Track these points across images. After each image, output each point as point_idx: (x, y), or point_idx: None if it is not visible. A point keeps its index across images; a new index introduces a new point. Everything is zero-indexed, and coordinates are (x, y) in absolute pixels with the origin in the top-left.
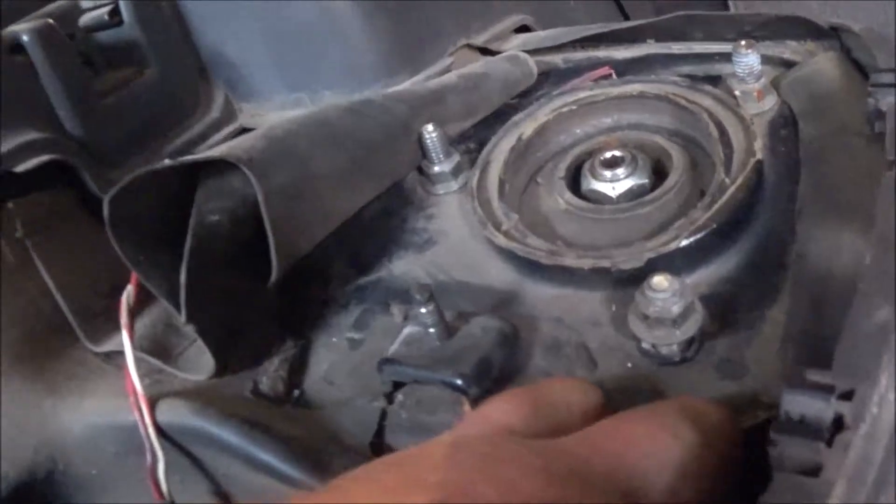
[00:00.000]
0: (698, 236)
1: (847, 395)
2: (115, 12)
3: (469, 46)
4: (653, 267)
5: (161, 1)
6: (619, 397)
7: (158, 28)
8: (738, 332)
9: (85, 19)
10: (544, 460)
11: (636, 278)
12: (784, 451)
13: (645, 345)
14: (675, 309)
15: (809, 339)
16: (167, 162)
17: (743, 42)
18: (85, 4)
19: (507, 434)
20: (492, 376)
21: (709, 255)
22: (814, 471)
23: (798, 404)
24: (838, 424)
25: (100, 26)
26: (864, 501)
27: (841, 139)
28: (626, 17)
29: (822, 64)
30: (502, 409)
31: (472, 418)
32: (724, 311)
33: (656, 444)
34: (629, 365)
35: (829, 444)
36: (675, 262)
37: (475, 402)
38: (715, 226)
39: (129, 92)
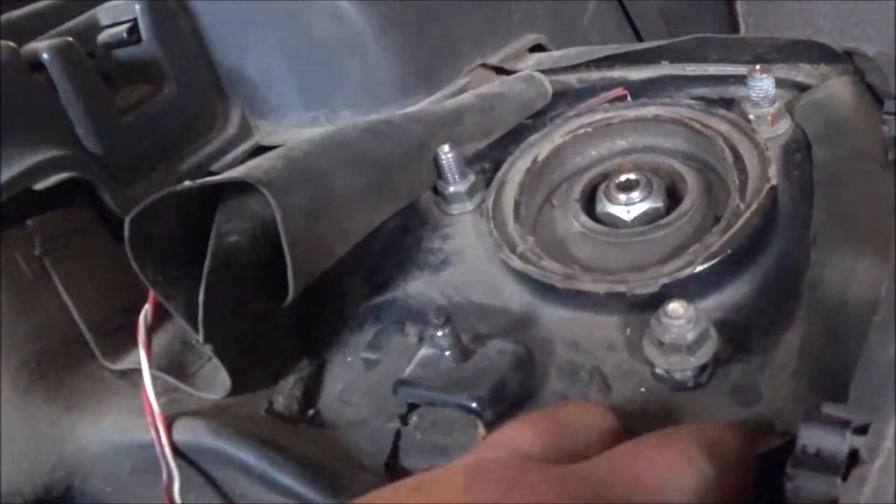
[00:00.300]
0: (713, 262)
1: (862, 430)
2: (133, 30)
3: (484, 66)
4: (668, 292)
5: (180, 18)
6: (633, 421)
7: (177, 45)
8: (751, 358)
9: (104, 36)
10: (564, 485)
11: (651, 303)
12: (800, 484)
13: (659, 370)
14: (690, 336)
15: (823, 368)
16: (187, 183)
17: (758, 66)
18: (104, 21)
19: (526, 459)
20: (507, 399)
21: (723, 281)
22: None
23: (814, 438)
24: (854, 458)
25: (118, 43)
26: None
27: (855, 165)
28: (639, 37)
29: (836, 88)
30: (521, 434)
31: (491, 443)
32: (738, 337)
33: (674, 470)
34: (643, 389)
35: (845, 478)
36: (689, 288)
37: (490, 425)
38: (730, 251)
39: (147, 109)
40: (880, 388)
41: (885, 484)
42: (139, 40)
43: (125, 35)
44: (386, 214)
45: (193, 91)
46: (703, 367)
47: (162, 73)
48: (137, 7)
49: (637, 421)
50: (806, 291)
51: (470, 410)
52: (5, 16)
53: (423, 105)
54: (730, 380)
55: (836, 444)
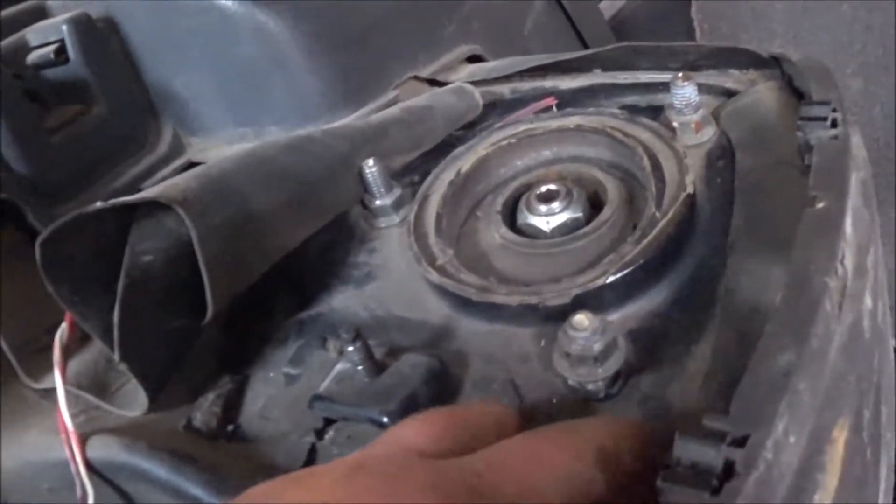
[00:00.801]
0: (625, 272)
1: (740, 442)
2: (61, 50)
3: (416, 78)
4: (580, 303)
5: (109, 38)
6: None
7: (105, 65)
8: (663, 369)
9: (32, 57)
10: (442, 479)
11: (564, 314)
12: (670, 499)
13: (570, 381)
14: (597, 347)
15: (734, 377)
16: (98, 205)
17: (680, 74)
18: (33, 42)
19: (413, 454)
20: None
21: (637, 291)
22: None
23: (689, 451)
24: (729, 471)
25: (47, 64)
26: None
27: (776, 171)
28: (585, 45)
29: (762, 94)
30: (413, 430)
31: (383, 439)
32: (652, 347)
33: (558, 463)
34: (555, 400)
35: (717, 492)
36: (603, 298)
37: None
38: (642, 261)
39: (76, 129)
40: (764, 399)
41: (764, 496)
42: (67, 60)
43: (53, 56)
44: (310, 231)
45: (124, 110)
46: (612, 379)
47: (91, 93)
48: (64, 28)
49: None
50: (720, 300)
51: (381, 425)
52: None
53: (350, 119)
54: (640, 390)
55: (711, 456)
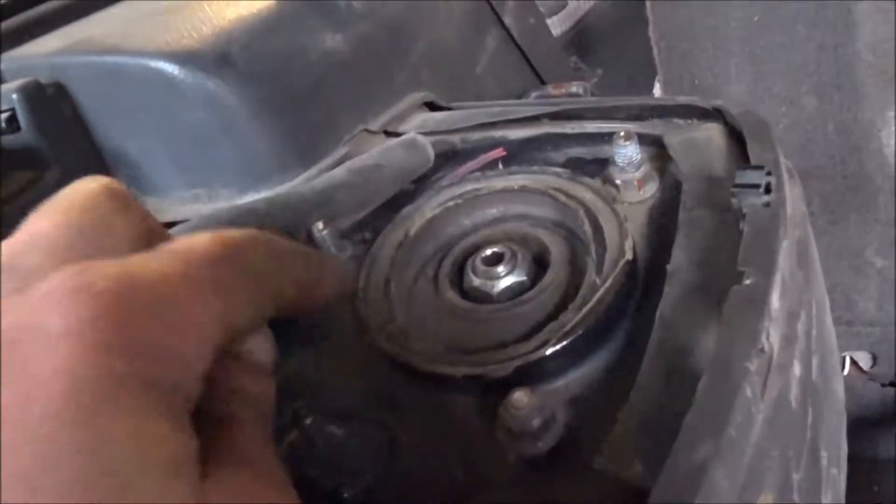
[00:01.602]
0: (565, 343)
1: None
2: (12, 119)
3: (367, 131)
4: (522, 374)
5: (60, 103)
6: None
7: (57, 130)
8: (603, 430)
9: None
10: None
11: (507, 385)
12: None
13: (510, 456)
14: (535, 423)
15: (653, 412)
16: None
17: (622, 133)
18: None
19: None
20: (366, 480)
21: (578, 359)
22: None
23: None
24: None
25: None
26: None
27: (721, 215)
28: (538, 75)
29: (713, 132)
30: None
31: None
32: (592, 411)
33: None
34: (499, 470)
35: None
36: (544, 367)
37: None
38: (582, 332)
39: (30, 197)
40: (681, 494)
41: None
42: (18, 129)
43: (4, 125)
44: None
45: (77, 173)
46: (551, 451)
47: (44, 159)
48: (14, 97)
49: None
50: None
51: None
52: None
53: (299, 180)
54: (582, 459)
55: None
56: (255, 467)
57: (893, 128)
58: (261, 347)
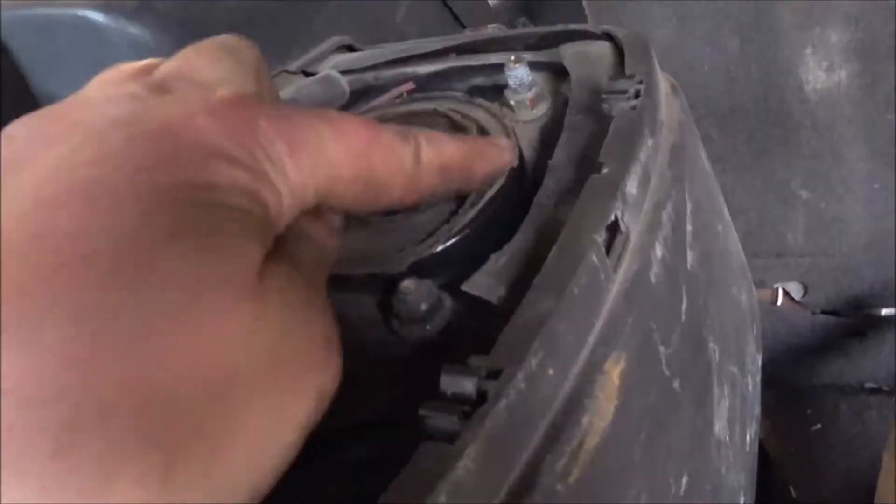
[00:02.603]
0: (454, 240)
1: (494, 374)
2: None
3: (286, 72)
4: (416, 270)
5: None
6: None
7: None
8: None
9: None
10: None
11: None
12: (429, 423)
13: (406, 340)
14: (423, 307)
15: (525, 270)
16: None
17: (512, 58)
18: None
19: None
20: None
21: (466, 256)
22: (450, 438)
23: (451, 384)
24: (482, 400)
25: None
26: (495, 461)
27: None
28: (462, 24)
29: (603, 49)
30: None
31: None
32: (478, 304)
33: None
34: (394, 355)
35: (468, 416)
36: (436, 265)
37: None
38: (469, 231)
39: None
40: (520, 340)
41: (517, 419)
42: None
43: None
44: None
45: None
46: (440, 334)
47: None
48: None
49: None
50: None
51: None
52: None
53: None
54: (467, 340)
55: (468, 387)
56: (308, 249)
57: (811, 65)
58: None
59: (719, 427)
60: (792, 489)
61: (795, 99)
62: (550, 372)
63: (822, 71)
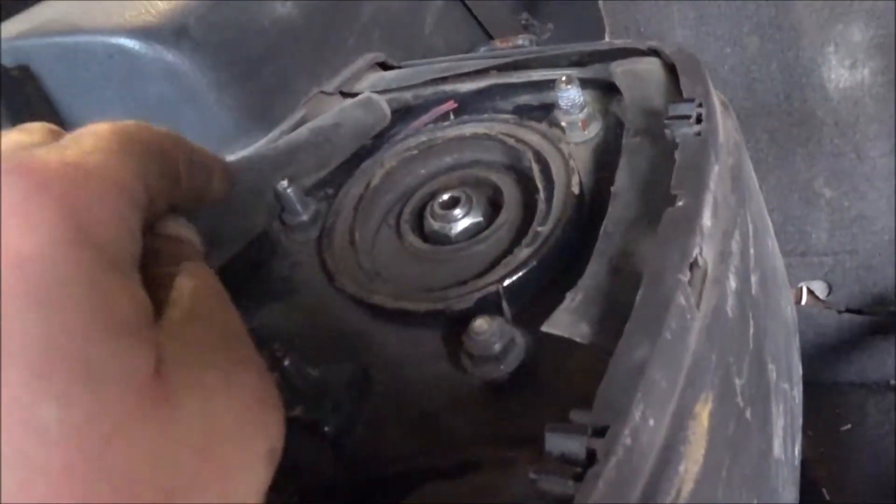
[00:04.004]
0: (520, 274)
1: (601, 432)
2: None
3: (323, 93)
4: (482, 305)
5: (24, 85)
6: (455, 423)
7: (25, 111)
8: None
9: None
10: None
11: (468, 316)
12: (541, 487)
13: (476, 378)
14: (497, 347)
15: (602, 304)
16: None
17: (563, 77)
18: None
19: None
20: (344, 415)
21: (534, 288)
22: (564, 501)
23: (557, 443)
24: (591, 459)
25: None
26: None
27: (660, 143)
28: (489, 35)
29: (653, 66)
30: None
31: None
32: (551, 339)
33: None
34: (464, 395)
35: (580, 478)
36: (502, 298)
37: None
38: (535, 263)
39: None
40: (621, 393)
41: (626, 476)
42: None
43: None
44: (225, 256)
45: None
46: (515, 373)
47: None
48: None
49: (463, 424)
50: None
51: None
52: None
53: (261, 143)
54: (543, 379)
55: (576, 448)
56: (207, 319)
57: (833, 63)
58: (187, 229)
59: (777, 446)
60: (825, 491)
61: (818, 97)
62: (651, 423)
63: (844, 69)
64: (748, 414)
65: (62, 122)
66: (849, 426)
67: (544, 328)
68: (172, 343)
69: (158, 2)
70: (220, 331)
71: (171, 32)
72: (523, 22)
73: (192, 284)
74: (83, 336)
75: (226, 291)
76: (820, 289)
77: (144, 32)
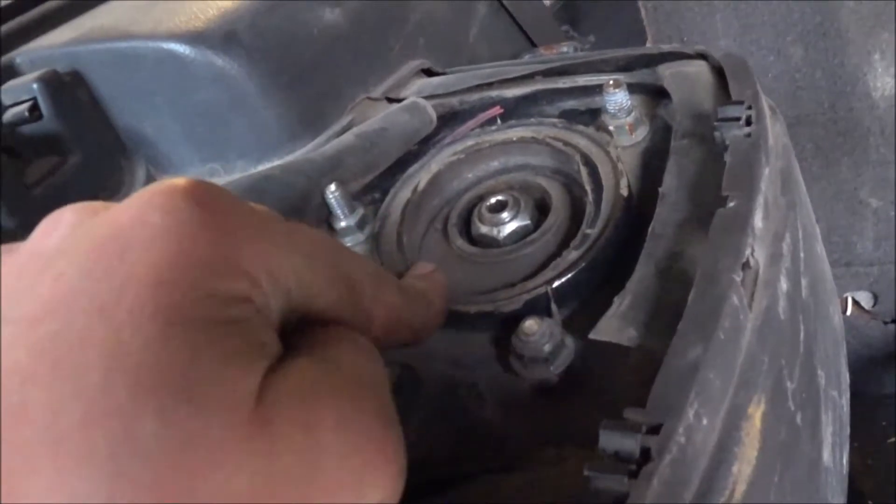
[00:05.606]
0: (569, 276)
1: (655, 430)
2: (34, 108)
3: (370, 98)
4: (531, 307)
5: (76, 90)
6: (509, 426)
7: (76, 116)
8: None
9: (7, 116)
10: None
11: (517, 318)
12: (596, 485)
13: (525, 381)
14: (546, 348)
15: (652, 307)
16: None
17: (611, 82)
18: (6, 102)
19: None
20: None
21: (583, 290)
22: (620, 500)
23: (612, 441)
24: (646, 457)
25: (22, 121)
26: None
27: (709, 145)
28: (530, 40)
29: (701, 69)
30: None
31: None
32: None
33: None
34: (514, 398)
35: (635, 475)
36: (552, 300)
37: None
38: (584, 265)
39: (55, 180)
40: (675, 391)
41: (680, 474)
42: (41, 117)
43: (27, 114)
44: None
45: (97, 156)
46: (564, 374)
47: (66, 144)
48: (35, 86)
49: (512, 426)
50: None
51: None
52: None
53: (308, 149)
54: (593, 381)
55: (630, 445)
56: (335, 363)
57: (879, 71)
58: None
59: (826, 454)
60: (871, 503)
61: (863, 106)
62: (705, 422)
63: (890, 77)
64: (799, 419)
65: (112, 125)
66: (895, 439)
67: (592, 335)
68: (287, 381)
69: (208, 8)
70: (347, 376)
71: (220, 38)
72: (565, 34)
73: (332, 332)
74: (191, 358)
75: (373, 347)
76: (865, 299)
77: (194, 37)
